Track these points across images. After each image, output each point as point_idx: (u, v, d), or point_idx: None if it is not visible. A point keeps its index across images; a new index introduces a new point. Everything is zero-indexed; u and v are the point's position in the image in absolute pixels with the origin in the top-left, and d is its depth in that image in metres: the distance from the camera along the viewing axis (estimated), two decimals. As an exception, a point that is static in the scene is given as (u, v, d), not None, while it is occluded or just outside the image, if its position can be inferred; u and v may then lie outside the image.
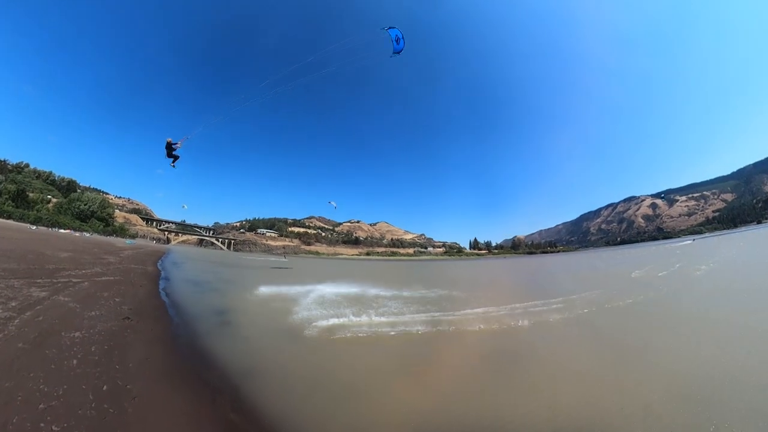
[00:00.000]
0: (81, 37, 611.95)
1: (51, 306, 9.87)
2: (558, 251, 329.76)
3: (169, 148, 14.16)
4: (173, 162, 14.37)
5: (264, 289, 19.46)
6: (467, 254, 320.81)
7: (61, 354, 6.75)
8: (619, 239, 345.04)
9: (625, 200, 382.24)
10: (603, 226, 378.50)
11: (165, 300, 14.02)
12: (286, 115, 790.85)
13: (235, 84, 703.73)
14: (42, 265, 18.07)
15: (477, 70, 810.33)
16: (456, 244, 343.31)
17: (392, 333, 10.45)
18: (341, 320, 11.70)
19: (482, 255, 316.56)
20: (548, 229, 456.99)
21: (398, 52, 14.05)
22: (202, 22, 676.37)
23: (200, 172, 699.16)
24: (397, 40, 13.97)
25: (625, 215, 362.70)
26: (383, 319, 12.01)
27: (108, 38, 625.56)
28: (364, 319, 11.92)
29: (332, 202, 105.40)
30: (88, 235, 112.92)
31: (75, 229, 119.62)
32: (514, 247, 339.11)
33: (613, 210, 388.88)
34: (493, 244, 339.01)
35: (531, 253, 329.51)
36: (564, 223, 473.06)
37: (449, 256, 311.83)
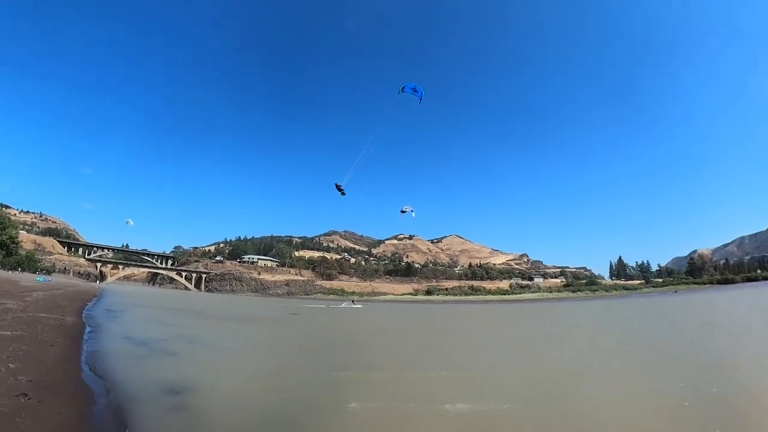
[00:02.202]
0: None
1: None
2: None
3: (339, 189, 17.72)
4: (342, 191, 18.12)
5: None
6: (606, 287, 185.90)
7: None
8: None
9: None
10: None
11: (87, 368, 10.01)
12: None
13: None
14: None
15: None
16: (585, 270, 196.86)
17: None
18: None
19: (635, 288, 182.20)
20: (755, 234, 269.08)
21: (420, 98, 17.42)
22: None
23: (153, 170, 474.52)
24: (414, 90, 17.23)
25: None
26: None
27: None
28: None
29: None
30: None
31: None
32: (691, 272, 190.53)
33: None
34: (654, 269, 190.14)
35: (725, 281, 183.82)
36: None
37: (573, 291, 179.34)
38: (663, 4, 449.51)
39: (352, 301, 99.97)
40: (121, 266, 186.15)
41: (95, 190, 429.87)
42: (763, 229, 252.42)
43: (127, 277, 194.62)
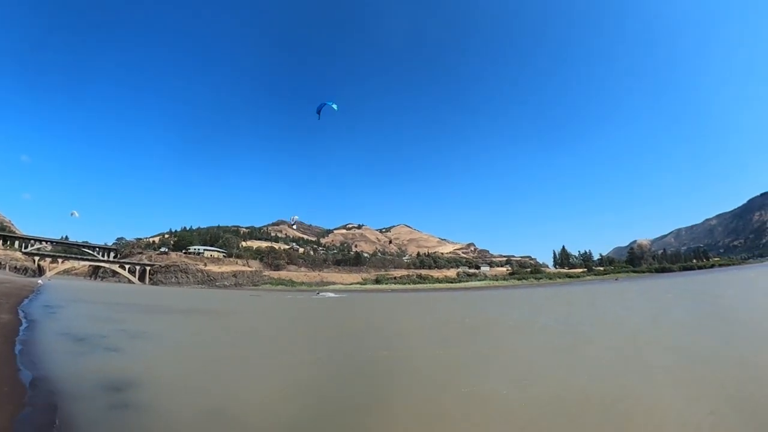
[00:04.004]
0: None
1: None
2: (711, 266, 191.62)
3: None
4: None
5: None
6: (550, 275, 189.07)
7: None
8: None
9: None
10: None
11: (22, 368, 9.12)
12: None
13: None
14: None
15: None
16: (530, 258, 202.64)
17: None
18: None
19: (577, 276, 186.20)
20: (692, 227, 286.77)
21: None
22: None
23: (94, 158, 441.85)
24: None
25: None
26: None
27: None
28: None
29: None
30: None
31: None
32: (631, 260, 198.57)
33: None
34: (596, 258, 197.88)
35: (663, 270, 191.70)
36: (720, 216, 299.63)
37: (518, 279, 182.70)
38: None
39: (317, 293, 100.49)
40: (60, 260, 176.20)
41: (33, 180, 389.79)
42: (699, 222, 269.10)
43: (67, 271, 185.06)
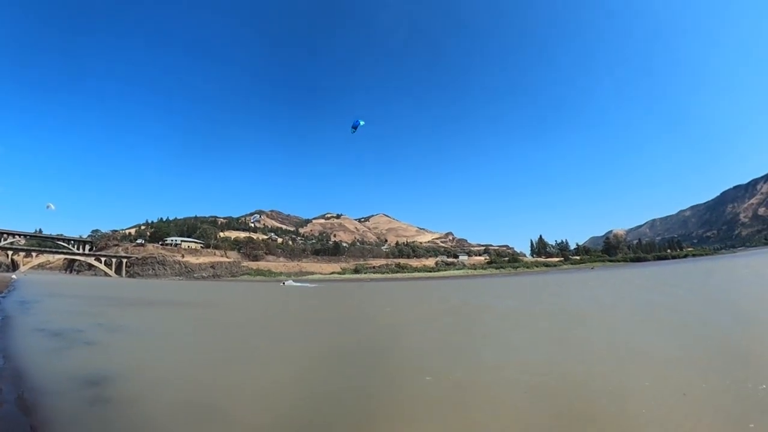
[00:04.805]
0: None
1: None
2: (684, 256, 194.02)
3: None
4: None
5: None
6: (527, 264, 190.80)
7: None
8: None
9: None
10: (761, 210, 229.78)
11: None
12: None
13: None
14: None
15: None
16: (508, 247, 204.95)
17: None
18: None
19: (554, 265, 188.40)
20: (666, 218, 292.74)
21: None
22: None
23: (67, 148, 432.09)
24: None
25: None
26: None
27: None
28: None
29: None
30: None
31: None
32: (607, 250, 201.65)
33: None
34: (572, 247, 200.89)
35: (638, 259, 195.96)
36: (693, 208, 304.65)
37: (496, 268, 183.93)
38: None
39: (283, 283, 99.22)
40: (34, 253, 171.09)
41: (5, 171, 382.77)
42: (674, 213, 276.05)
43: (42, 266, 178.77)
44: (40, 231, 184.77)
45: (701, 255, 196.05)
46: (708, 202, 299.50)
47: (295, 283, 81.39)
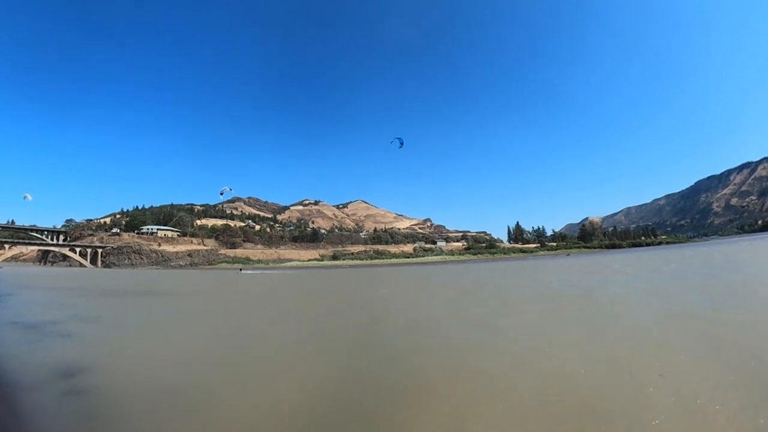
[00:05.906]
0: None
1: None
2: (658, 243, 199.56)
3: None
4: None
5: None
6: (505, 250, 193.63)
7: None
8: (760, 222, 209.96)
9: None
10: (733, 200, 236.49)
11: None
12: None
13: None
14: None
15: None
16: (485, 234, 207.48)
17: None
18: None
19: (531, 251, 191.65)
20: (641, 206, 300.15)
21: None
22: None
23: (38, 135, 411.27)
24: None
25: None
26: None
27: None
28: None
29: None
30: None
31: None
32: (583, 237, 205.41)
33: (750, 174, 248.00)
34: (549, 234, 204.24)
35: (613, 246, 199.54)
36: (668, 197, 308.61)
37: (474, 254, 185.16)
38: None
39: (240, 270, 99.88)
40: (7, 245, 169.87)
41: None
42: (648, 201, 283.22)
43: (15, 258, 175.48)
44: (13, 222, 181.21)
45: (675, 243, 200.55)
46: (682, 191, 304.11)
47: (249, 272, 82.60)
